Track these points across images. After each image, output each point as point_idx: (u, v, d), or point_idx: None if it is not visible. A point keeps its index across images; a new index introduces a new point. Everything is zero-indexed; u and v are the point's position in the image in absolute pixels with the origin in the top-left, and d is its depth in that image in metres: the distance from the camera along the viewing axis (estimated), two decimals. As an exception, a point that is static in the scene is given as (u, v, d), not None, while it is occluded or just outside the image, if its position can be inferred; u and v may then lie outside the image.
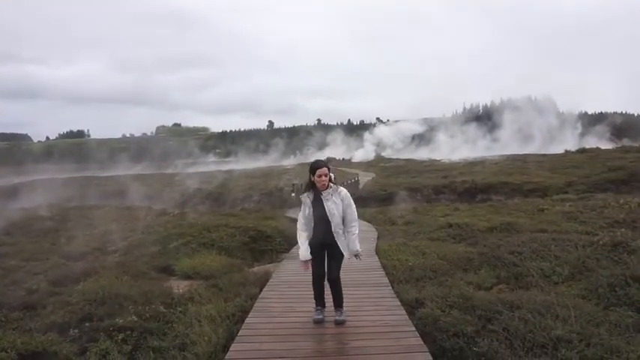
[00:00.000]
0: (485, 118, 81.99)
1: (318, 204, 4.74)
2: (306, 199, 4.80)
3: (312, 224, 4.76)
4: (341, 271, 4.97)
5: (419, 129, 76.40)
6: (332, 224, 4.67)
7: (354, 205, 4.86)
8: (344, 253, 4.77)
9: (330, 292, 4.92)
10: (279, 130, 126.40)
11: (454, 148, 60.75)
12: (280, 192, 27.80)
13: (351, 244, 4.77)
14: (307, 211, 4.78)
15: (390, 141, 72.54)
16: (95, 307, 5.77)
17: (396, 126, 79.18)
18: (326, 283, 4.90)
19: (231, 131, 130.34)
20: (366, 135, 76.35)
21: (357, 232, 4.82)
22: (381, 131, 77.09)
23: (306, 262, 4.77)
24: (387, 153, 66.99)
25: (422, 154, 59.95)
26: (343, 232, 4.76)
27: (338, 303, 4.90)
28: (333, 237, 4.71)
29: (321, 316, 4.88)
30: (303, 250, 4.77)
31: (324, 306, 4.95)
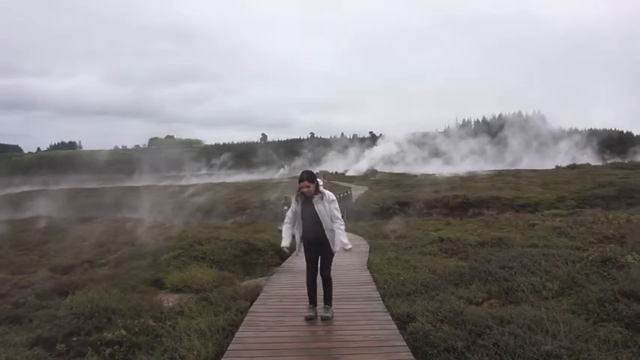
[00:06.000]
0: (476, 134, 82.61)
1: (309, 206, 5.33)
2: (293, 200, 5.51)
3: (301, 222, 5.38)
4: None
5: (421, 142, 75.99)
6: (323, 224, 5.28)
7: (337, 204, 5.47)
8: (333, 250, 5.33)
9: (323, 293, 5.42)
10: (273, 143, 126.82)
11: (450, 163, 61.10)
12: (273, 205, 27.75)
13: (339, 239, 5.28)
14: (294, 209, 5.44)
15: (393, 154, 72.08)
16: (83, 320, 5.69)
17: (397, 139, 78.49)
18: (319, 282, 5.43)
19: (224, 144, 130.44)
20: (367, 150, 75.72)
21: (343, 227, 5.36)
22: (382, 146, 76.57)
23: (282, 248, 5.70)
24: (381, 167, 66.97)
25: (420, 168, 59.94)
26: (332, 230, 5.30)
27: (327, 300, 5.38)
28: (324, 235, 5.28)
29: (312, 314, 5.31)
30: (285, 238, 5.55)
31: (316, 304, 5.41)
